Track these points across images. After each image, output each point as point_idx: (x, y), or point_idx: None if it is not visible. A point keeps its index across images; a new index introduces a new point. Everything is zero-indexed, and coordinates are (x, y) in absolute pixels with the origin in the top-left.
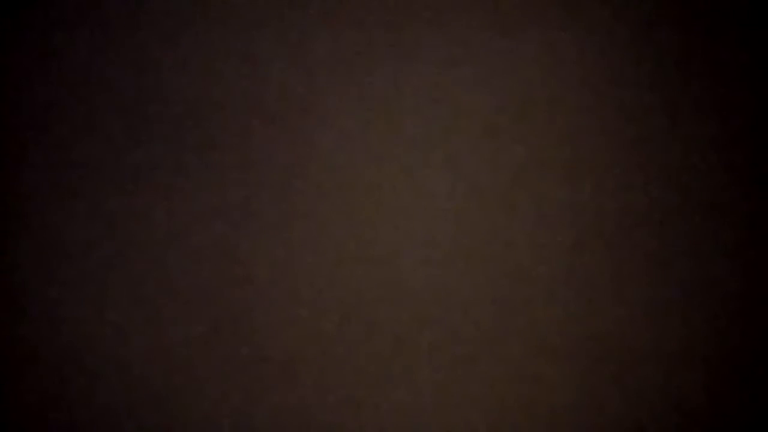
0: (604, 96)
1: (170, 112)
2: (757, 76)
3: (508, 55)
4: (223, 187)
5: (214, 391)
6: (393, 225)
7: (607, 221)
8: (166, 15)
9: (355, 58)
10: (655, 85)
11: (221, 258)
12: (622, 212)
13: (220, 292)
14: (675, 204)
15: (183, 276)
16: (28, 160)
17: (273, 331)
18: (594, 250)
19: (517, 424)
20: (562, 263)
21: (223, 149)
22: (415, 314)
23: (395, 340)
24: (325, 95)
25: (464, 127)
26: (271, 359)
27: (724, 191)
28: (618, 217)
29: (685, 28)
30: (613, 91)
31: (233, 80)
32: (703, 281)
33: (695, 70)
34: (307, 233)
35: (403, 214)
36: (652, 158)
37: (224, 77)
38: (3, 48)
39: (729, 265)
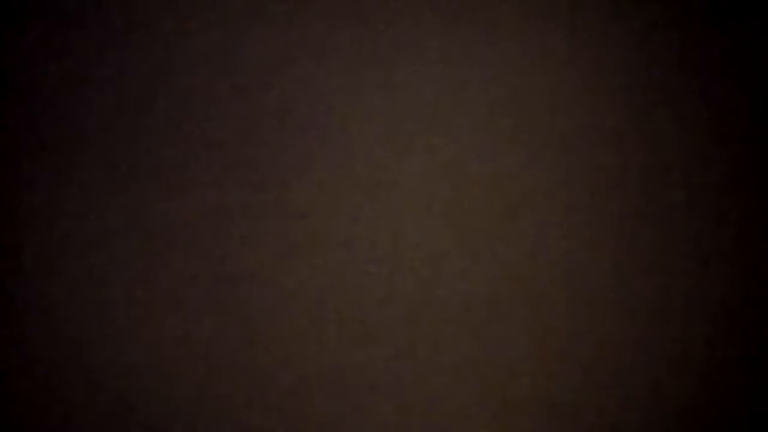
0: (603, 96)
1: (171, 112)
2: (757, 75)
3: (508, 55)
4: (223, 187)
5: (213, 391)
6: (392, 225)
7: (607, 221)
8: (168, 15)
9: (355, 58)
10: (655, 85)
11: (221, 258)
12: (622, 212)
13: (220, 292)
14: (675, 204)
15: (183, 276)
16: (28, 160)
17: (273, 330)
18: (593, 250)
19: (517, 424)
20: (562, 263)
21: (224, 149)
22: (415, 314)
23: (395, 341)
24: (325, 95)
25: (464, 127)
26: (271, 359)
27: (725, 191)
28: (618, 217)
29: (685, 28)
30: (612, 91)
31: (234, 80)
32: (703, 282)
33: (695, 70)
34: (307, 233)
35: (402, 215)
36: (651, 158)
37: (225, 77)
38: (3, 48)
39: (729, 266)
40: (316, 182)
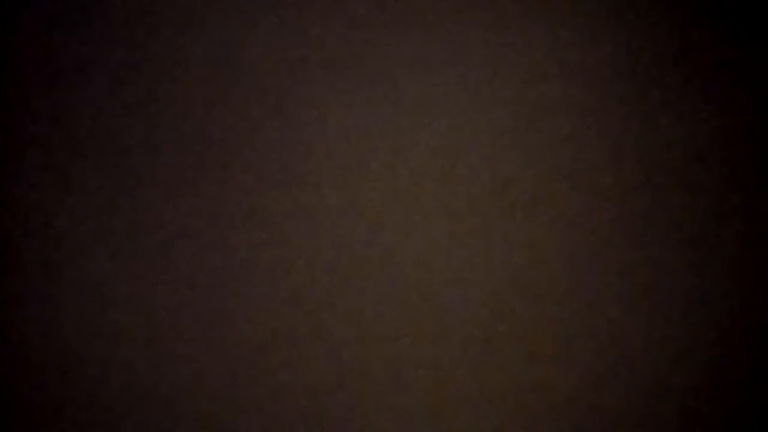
0: (604, 96)
1: (170, 112)
2: (757, 75)
3: (509, 55)
4: (223, 187)
5: (214, 391)
6: (393, 227)
7: (607, 221)
8: (167, 15)
9: (354, 58)
10: (655, 85)
11: (221, 257)
12: (622, 212)
13: (221, 292)
14: (675, 204)
15: (183, 276)
16: (28, 160)
17: (272, 331)
18: (593, 250)
19: (517, 425)
20: (562, 263)
21: (224, 149)
22: (414, 315)
23: (394, 341)
24: (325, 95)
25: (464, 128)
26: (270, 359)
27: (725, 191)
28: (618, 217)
29: (685, 28)
30: (613, 92)
31: (234, 80)
32: (704, 282)
33: (695, 70)
34: (307, 234)
35: (402, 216)
36: (652, 158)
37: (225, 77)
38: (3, 48)
39: (729, 266)
40: (317, 183)
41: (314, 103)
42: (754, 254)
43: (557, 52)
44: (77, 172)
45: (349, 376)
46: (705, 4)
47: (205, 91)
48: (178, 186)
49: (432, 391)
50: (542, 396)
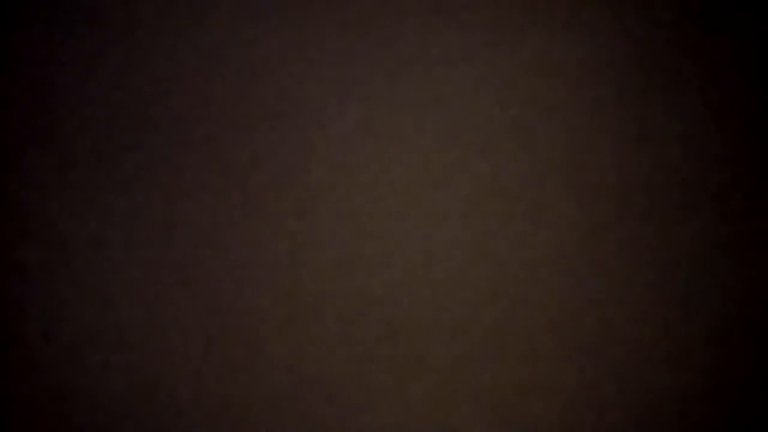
0: (604, 97)
1: (170, 112)
2: (756, 75)
3: (509, 56)
4: (223, 187)
5: (214, 391)
6: (392, 226)
7: (608, 221)
8: (166, 14)
9: (354, 58)
10: (656, 86)
11: (221, 258)
12: (623, 213)
13: (220, 292)
14: (675, 204)
15: (183, 276)
16: (28, 160)
17: (273, 331)
18: (593, 250)
19: (517, 424)
20: (563, 264)
21: (223, 149)
22: (415, 315)
23: (395, 341)
24: (325, 95)
25: (464, 129)
26: (271, 359)
27: (725, 191)
28: (618, 217)
29: (685, 28)
30: (613, 93)
31: (233, 80)
32: (703, 281)
33: (695, 70)
34: (307, 233)
35: (402, 216)
36: (652, 158)
37: (224, 77)
38: (3, 47)
39: (729, 265)
40: (317, 184)
41: (314, 103)
42: (754, 254)
43: (558, 52)
44: (77, 172)
45: (349, 375)
46: (705, 4)
47: (205, 91)
48: (178, 186)
49: (432, 391)
50: (542, 396)
